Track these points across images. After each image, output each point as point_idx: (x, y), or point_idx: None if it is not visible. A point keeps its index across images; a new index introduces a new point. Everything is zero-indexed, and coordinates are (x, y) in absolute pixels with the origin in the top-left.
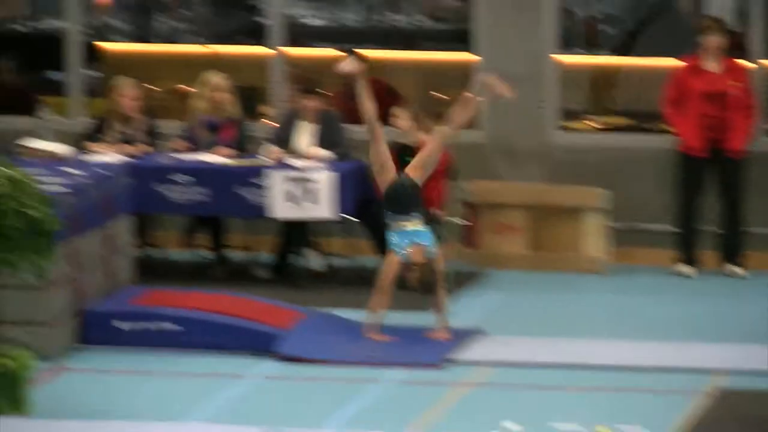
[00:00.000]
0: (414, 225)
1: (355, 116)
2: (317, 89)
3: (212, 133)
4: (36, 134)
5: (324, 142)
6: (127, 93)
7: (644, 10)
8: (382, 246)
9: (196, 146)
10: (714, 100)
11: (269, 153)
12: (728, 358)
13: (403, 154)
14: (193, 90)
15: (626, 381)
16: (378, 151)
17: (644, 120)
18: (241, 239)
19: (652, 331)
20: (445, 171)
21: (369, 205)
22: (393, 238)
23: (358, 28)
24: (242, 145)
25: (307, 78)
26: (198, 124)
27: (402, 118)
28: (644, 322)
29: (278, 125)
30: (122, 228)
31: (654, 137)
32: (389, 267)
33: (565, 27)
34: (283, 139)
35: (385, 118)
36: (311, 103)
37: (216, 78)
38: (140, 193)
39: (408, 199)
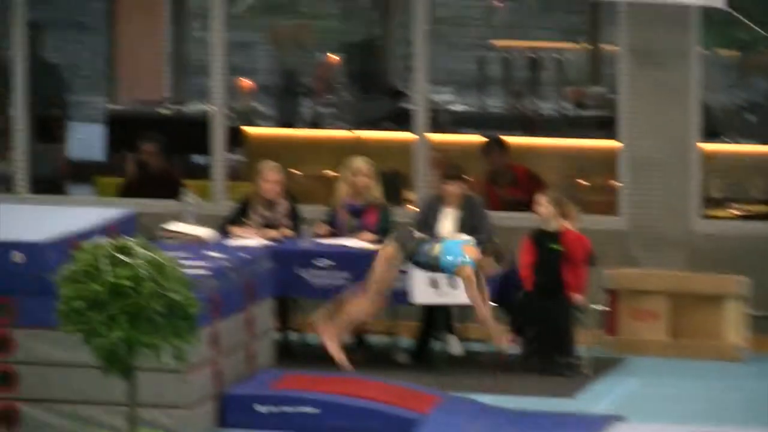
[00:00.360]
0: (441, 241)
1: (497, 202)
2: (460, 175)
3: (355, 217)
4: (179, 218)
5: (466, 227)
6: (271, 177)
7: None
8: (521, 331)
9: (339, 231)
10: None
11: None
12: None
13: (542, 239)
14: (336, 175)
15: None
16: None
17: None
18: (382, 323)
19: None
20: (585, 257)
21: (509, 290)
22: (449, 260)
23: (502, 114)
24: (385, 230)
25: (450, 163)
26: (341, 209)
27: (543, 205)
28: None
29: (421, 210)
30: (263, 311)
31: None
32: (469, 282)
33: (709, 114)
34: (426, 224)
35: (527, 204)
36: (454, 189)
37: (359, 163)
38: (282, 277)
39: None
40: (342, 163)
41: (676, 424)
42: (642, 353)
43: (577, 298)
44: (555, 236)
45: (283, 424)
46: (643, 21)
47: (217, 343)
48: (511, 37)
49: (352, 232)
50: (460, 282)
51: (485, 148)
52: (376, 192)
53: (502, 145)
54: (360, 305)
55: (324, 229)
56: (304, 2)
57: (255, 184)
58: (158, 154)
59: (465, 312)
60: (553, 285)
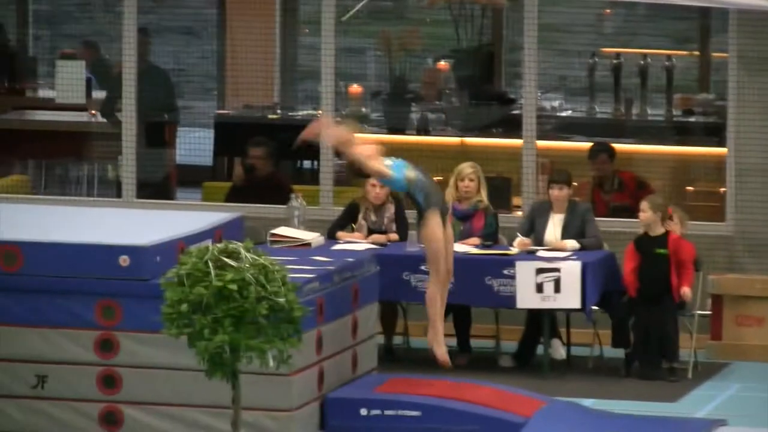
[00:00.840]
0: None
1: (603, 208)
2: (568, 180)
3: (462, 222)
4: (287, 222)
5: (572, 232)
6: (377, 182)
7: None
8: (622, 337)
9: None
10: None
11: (518, 243)
12: None
13: (646, 244)
14: (444, 180)
15: None
16: None
17: None
18: (486, 327)
19: None
20: (691, 260)
21: (612, 296)
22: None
23: (611, 120)
24: (491, 234)
25: (557, 169)
26: (448, 214)
27: (645, 210)
28: None
29: (527, 216)
30: (369, 315)
31: None
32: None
33: None
34: (532, 229)
35: (634, 210)
36: (561, 194)
37: (466, 168)
38: (388, 282)
39: None
40: (450, 169)
41: None
42: (746, 358)
43: (684, 290)
44: (660, 241)
45: (385, 427)
46: (753, 28)
47: (322, 346)
48: (621, 43)
49: (458, 236)
50: (566, 285)
51: (592, 154)
52: (484, 197)
53: (608, 150)
54: (434, 294)
55: None
56: (413, 9)
57: (362, 189)
58: (267, 158)
59: (569, 317)
60: (658, 290)
